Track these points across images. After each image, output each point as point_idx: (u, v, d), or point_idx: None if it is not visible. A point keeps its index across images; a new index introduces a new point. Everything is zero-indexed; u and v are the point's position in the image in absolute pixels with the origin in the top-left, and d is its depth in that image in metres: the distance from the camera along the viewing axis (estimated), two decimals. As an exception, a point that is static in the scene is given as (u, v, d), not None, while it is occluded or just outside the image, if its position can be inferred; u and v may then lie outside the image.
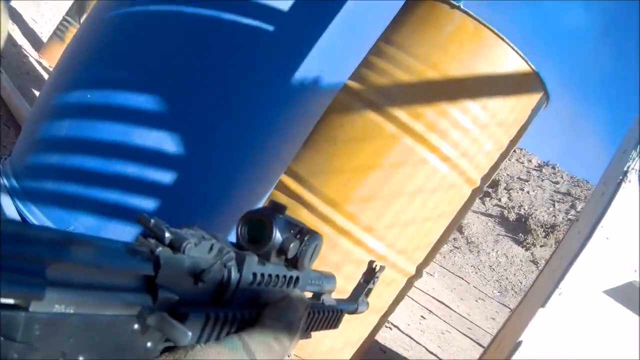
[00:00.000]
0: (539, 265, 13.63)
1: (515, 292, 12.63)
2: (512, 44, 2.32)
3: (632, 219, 1.65)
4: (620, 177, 1.68)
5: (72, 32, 4.96)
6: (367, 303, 0.69)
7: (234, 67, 1.56)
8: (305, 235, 0.48)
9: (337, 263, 2.31)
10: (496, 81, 2.37)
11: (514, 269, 13.79)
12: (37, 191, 1.58)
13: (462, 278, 11.76)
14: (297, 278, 0.51)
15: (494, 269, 13.65)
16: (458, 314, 7.38)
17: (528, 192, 17.20)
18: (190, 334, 0.35)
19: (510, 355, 1.64)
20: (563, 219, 15.70)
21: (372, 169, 2.32)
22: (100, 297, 0.31)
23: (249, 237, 0.47)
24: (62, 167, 1.58)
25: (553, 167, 18.87)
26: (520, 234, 15.05)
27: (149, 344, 0.36)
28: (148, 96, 1.53)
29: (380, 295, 2.47)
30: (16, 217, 1.55)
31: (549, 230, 14.96)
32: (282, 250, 0.47)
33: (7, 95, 3.16)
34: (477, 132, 2.37)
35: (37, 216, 1.55)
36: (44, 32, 6.00)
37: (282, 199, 2.38)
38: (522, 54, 2.34)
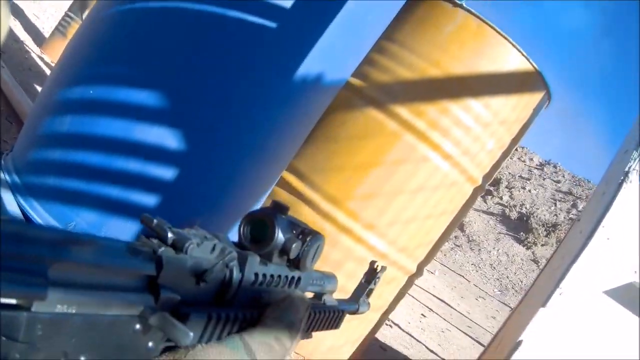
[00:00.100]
0: (539, 264, 13.63)
1: (516, 291, 12.64)
2: (514, 43, 2.31)
3: (632, 219, 1.65)
4: (622, 178, 1.67)
5: (74, 27, 4.95)
6: (368, 303, 0.68)
7: (234, 67, 1.56)
8: (307, 235, 0.48)
9: (338, 260, 2.31)
10: (498, 79, 2.37)
11: (514, 268, 13.79)
12: (39, 187, 1.58)
13: (462, 276, 11.77)
14: (299, 278, 0.51)
15: (494, 268, 13.66)
16: (458, 312, 7.39)
17: (529, 191, 17.19)
18: (191, 334, 0.35)
19: (510, 355, 1.64)
20: (564, 218, 15.70)
21: (374, 167, 2.32)
22: (102, 297, 0.31)
23: (251, 237, 0.47)
24: (64, 163, 1.58)
25: (554, 166, 18.85)
26: (522, 233, 15.05)
27: (150, 344, 0.36)
28: (149, 94, 1.53)
29: (381, 294, 2.47)
30: (18, 212, 1.55)
31: (550, 229, 14.96)
32: (284, 250, 0.47)
33: (9, 90, 3.16)
34: (479, 130, 2.37)
35: (39, 212, 1.56)
36: (46, 28, 6.00)
37: (284, 195, 2.38)
38: (524, 53, 2.34)
